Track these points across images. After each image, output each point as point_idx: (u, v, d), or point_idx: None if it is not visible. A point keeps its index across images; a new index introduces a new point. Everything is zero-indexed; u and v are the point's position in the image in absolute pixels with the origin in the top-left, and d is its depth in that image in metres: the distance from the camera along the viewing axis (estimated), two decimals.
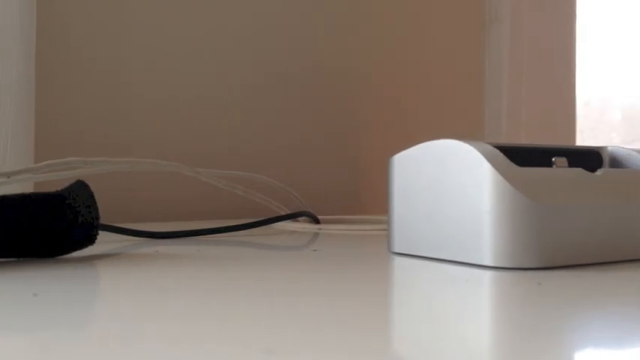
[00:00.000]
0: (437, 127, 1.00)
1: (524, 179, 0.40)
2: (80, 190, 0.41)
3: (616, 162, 0.49)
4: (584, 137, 1.74)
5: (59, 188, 0.41)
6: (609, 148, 0.49)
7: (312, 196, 0.71)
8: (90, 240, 0.41)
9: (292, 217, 0.59)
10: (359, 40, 0.95)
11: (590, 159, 0.49)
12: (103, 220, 0.43)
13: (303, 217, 0.62)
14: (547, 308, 0.29)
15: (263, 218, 0.55)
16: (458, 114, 1.02)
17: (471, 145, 0.41)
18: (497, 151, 0.41)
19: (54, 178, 0.47)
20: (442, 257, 0.42)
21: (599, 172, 0.43)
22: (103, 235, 0.44)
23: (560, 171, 0.42)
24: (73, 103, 0.72)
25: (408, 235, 0.44)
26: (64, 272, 0.36)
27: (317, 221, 0.63)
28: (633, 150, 0.48)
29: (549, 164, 0.44)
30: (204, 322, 0.25)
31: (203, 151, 0.79)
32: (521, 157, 0.45)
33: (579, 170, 0.43)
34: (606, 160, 0.49)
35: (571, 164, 0.46)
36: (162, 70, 0.78)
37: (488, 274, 0.37)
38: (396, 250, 0.45)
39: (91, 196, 0.41)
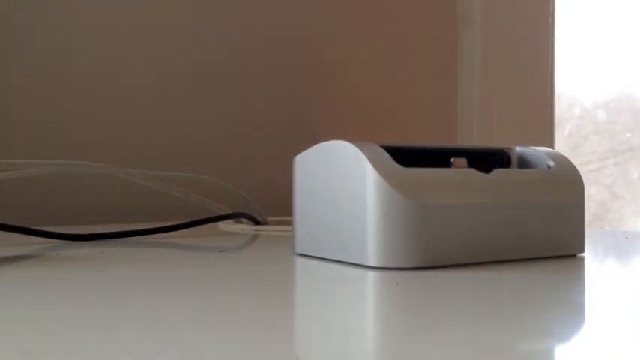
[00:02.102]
0: (411, 129, 1.00)
1: (406, 180, 0.40)
2: None
3: (524, 162, 0.49)
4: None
5: None
6: (517, 149, 0.49)
7: (264, 198, 0.72)
8: None
9: (223, 218, 0.60)
10: (328, 40, 0.96)
11: (497, 159, 0.49)
12: (27, 223, 0.44)
13: (244, 219, 0.63)
14: (385, 307, 0.30)
15: (188, 221, 0.56)
16: (431, 115, 1.03)
17: (356, 146, 0.41)
18: (383, 152, 0.41)
19: None
20: (335, 258, 0.43)
21: (492, 173, 0.43)
22: (16, 237, 0.45)
23: (448, 171, 0.42)
24: None
25: (308, 236, 0.45)
26: None
27: (257, 222, 0.64)
28: (540, 150, 0.48)
29: (448, 165, 0.45)
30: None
31: (143, 152, 0.78)
32: (418, 157, 0.45)
33: (470, 170, 0.43)
34: (514, 160, 0.49)
35: (475, 164, 0.46)
36: (90, 67, 0.77)
37: (361, 274, 0.38)
38: (299, 252, 0.46)
39: None
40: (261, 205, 0.67)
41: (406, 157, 0.45)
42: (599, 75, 2.22)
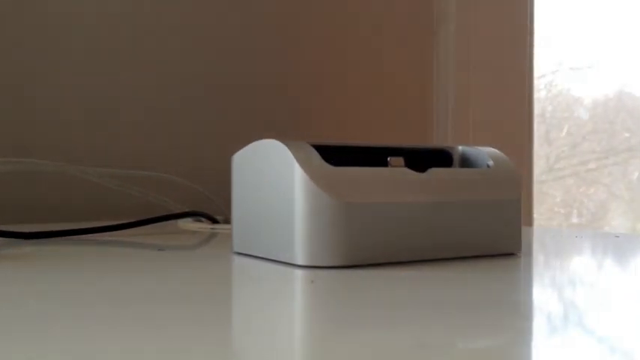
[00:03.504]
0: (386, 128, 1.00)
1: (333, 179, 0.40)
2: None
3: (466, 161, 0.49)
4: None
5: None
6: (460, 148, 0.49)
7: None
8: None
9: (172, 217, 0.60)
10: (300, 39, 0.96)
11: (439, 158, 0.49)
12: None
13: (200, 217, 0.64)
14: (289, 306, 0.30)
15: (139, 219, 0.56)
16: (406, 115, 1.02)
17: (285, 144, 0.41)
18: (312, 151, 0.41)
19: None
20: (267, 257, 0.43)
21: (426, 172, 0.43)
22: None
23: (379, 170, 0.42)
24: None
25: (244, 234, 0.45)
26: None
27: (214, 221, 0.64)
28: (482, 149, 0.48)
29: (385, 164, 0.45)
30: None
31: (106, 151, 0.77)
32: (356, 156, 0.46)
33: (403, 169, 0.43)
34: (457, 159, 0.49)
35: (414, 163, 0.46)
36: (44, 65, 0.77)
37: (283, 272, 0.38)
38: (236, 250, 0.46)
39: None
40: (226, 204, 0.67)
41: (343, 156, 0.45)
42: (599, 75, 2.22)
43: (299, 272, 0.38)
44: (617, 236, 0.57)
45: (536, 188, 2.26)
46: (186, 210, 0.63)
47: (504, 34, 1.05)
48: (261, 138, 0.44)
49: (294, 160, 0.40)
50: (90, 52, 0.80)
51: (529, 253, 0.46)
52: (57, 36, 0.78)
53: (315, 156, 0.41)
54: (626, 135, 2.27)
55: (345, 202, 0.40)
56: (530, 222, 1.06)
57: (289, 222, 0.40)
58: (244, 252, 0.45)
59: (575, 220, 2.25)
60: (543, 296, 0.32)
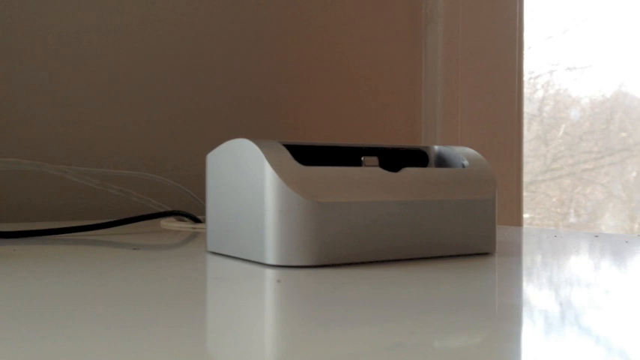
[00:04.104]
0: (374, 128, 1.00)
1: (304, 178, 0.40)
2: None
3: (442, 161, 0.49)
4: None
5: None
6: (436, 148, 0.49)
7: None
8: None
9: (155, 216, 0.60)
10: (289, 40, 0.96)
11: (414, 158, 0.49)
12: None
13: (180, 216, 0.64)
14: (252, 305, 0.30)
15: (119, 218, 0.56)
16: (395, 114, 1.02)
17: (256, 144, 0.41)
18: (284, 151, 0.41)
19: None
20: (239, 256, 0.43)
21: (399, 172, 0.43)
22: None
23: (350, 170, 0.42)
24: None
25: (217, 233, 0.45)
26: None
27: (197, 221, 0.64)
28: (458, 149, 0.48)
29: (359, 163, 0.45)
30: None
31: (92, 150, 0.77)
32: (327, 156, 0.45)
33: (375, 169, 0.43)
34: (432, 159, 0.49)
35: (389, 163, 0.46)
36: (23, 64, 0.77)
37: (252, 272, 0.38)
38: (210, 249, 0.46)
39: None
40: None
41: (318, 155, 0.45)
42: (596, 75, 2.22)
43: (269, 272, 0.38)
44: (597, 236, 0.57)
45: (533, 188, 2.26)
46: (168, 209, 0.63)
47: (493, 34, 1.05)
48: (246, 138, 0.44)
49: (265, 160, 0.40)
50: (69, 52, 0.80)
51: (505, 253, 0.46)
52: (34, 35, 0.78)
53: (286, 155, 0.41)
54: (623, 135, 2.27)
55: (316, 202, 0.40)
56: (519, 222, 1.06)
57: (260, 221, 0.40)
58: (218, 251, 0.45)
59: (572, 219, 2.25)
60: (516, 296, 0.32)
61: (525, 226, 2.27)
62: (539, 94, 2.21)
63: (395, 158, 0.47)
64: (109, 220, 0.55)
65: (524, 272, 0.39)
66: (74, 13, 0.80)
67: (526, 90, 2.20)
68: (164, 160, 0.82)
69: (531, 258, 0.45)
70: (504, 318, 0.27)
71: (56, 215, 0.72)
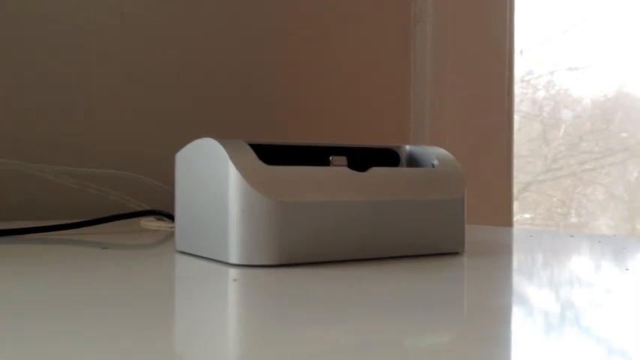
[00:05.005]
0: (363, 128, 0.99)
1: (267, 178, 0.40)
2: None
3: (413, 161, 0.48)
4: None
5: None
6: (407, 148, 0.49)
7: None
8: None
9: (131, 216, 0.60)
10: (277, 39, 0.96)
11: (385, 158, 0.49)
12: None
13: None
14: (204, 305, 0.30)
15: (96, 217, 0.56)
16: (383, 115, 1.02)
17: (221, 143, 0.41)
18: (248, 150, 0.41)
19: None
20: (205, 255, 0.43)
21: (367, 171, 0.43)
22: None
23: (316, 169, 0.42)
24: None
25: (185, 233, 0.45)
26: None
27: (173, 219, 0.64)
28: (428, 148, 0.48)
29: (327, 163, 0.45)
30: None
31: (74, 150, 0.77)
32: (296, 156, 0.45)
33: (342, 169, 0.43)
34: (403, 158, 0.49)
35: (359, 163, 0.46)
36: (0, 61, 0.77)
37: (214, 271, 0.38)
38: (178, 249, 0.46)
39: None
40: None
41: (286, 155, 0.45)
42: (597, 75, 2.21)
43: (232, 271, 0.38)
44: (572, 235, 0.57)
45: (534, 188, 2.25)
46: (147, 209, 0.63)
47: (483, 34, 1.05)
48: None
49: (229, 159, 0.40)
50: (45, 50, 0.79)
51: (475, 253, 0.46)
52: (9, 33, 0.78)
53: (251, 155, 0.41)
54: (624, 135, 2.26)
55: (278, 201, 0.39)
56: (510, 222, 1.05)
57: (224, 221, 0.40)
58: (186, 251, 0.45)
59: (573, 219, 2.24)
60: (482, 295, 0.32)
61: (525, 226, 2.26)
62: (540, 94, 2.21)
63: (365, 158, 0.47)
64: (82, 220, 0.55)
65: (492, 272, 0.39)
66: (51, 8, 0.80)
67: (527, 90, 2.20)
68: (146, 159, 0.82)
69: (500, 258, 0.45)
70: (470, 318, 0.27)
71: (35, 214, 0.72)
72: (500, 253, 0.47)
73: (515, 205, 2.21)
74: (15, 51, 0.77)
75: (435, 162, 0.46)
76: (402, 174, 0.44)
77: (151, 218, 0.65)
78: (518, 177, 2.23)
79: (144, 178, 0.65)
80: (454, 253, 0.45)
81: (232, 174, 0.40)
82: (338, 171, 0.42)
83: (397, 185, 0.43)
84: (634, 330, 0.24)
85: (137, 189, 0.71)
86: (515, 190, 2.19)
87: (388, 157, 0.49)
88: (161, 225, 0.63)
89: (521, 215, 2.19)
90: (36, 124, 0.77)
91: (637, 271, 0.39)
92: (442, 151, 0.48)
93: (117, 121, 0.82)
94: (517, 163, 2.20)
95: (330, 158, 0.44)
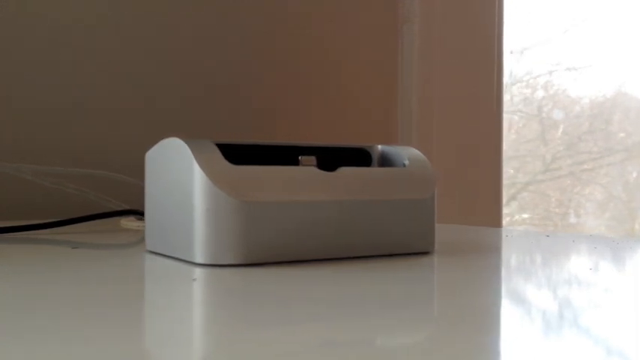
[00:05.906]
0: (350, 128, 0.99)
1: (233, 177, 0.40)
2: None
3: (385, 160, 0.48)
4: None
5: None
6: (379, 147, 0.49)
7: None
8: None
9: (106, 215, 0.60)
10: (265, 38, 0.96)
11: (357, 157, 0.48)
12: None
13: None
14: (160, 304, 0.30)
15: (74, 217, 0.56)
16: (371, 115, 1.02)
17: (187, 143, 0.41)
18: (214, 150, 0.41)
19: None
20: (172, 255, 0.42)
21: (335, 171, 0.43)
22: None
23: (283, 169, 0.42)
24: None
25: (154, 233, 0.45)
26: None
27: None
28: (400, 148, 0.47)
29: (296, 162, 0.44)
30: None
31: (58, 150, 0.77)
32: (265, 155, 0.45)
33: (309, 168, 0.43)
34: (375, 158, 0.49)
35: (328, 163, 0.46)
36: None
37: (179, 271, 0.38)
38: (148, 249, 0.46)
39: None
40: None
41: (255, 154, 0.45)
42: (596, 75, 2.21)
43: (198, 271, 0.38)
44: (548, 235, 0.56)
45: (533, 188, 2.24)
46: (126, 208, 0.63)
47: (471, 34, 1.04)
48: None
49: (194, 159, 0.40)
50: (20, 49, 0.79)
51: (445, 252, 0.46)
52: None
53: (217, 154, 0.41)
54: (623, 135, 2.25)
55: (244, 201, 0.39)
56: (499, 223, 1.05)
57: (189, 220, 0.40)
58: (155, 250, 0.45)
59: (572, 219, 2.23)
60: (452, 294, 0.32)
61: (523, 226, 2.26)
62: (539, 94, 2.20)
63: (336, 158, 0.47)
64: (55, 220, 0.55)
65: (460, 272, 0.39)
66: (28, 9, 0.80)
67: (525, 90, 2.19)
68: (129, 159, 0.82)
69: (469, 257, 0.44)
70: (439, 316, 0.27)
71: (13, 214, 0.72)
72: (469, 253, 0.47)
73: (514, 205, 2.20)
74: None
75: (406, 162, 0.46)
76: (371, 174, 0.44)
77: (132, 218, 0.65)
78: (517, 177, 2.22)
79: (125, 177, 0.64)
80: (424, 253, 0.45)
81: (197, 173, 0.40)
82: (305, 170, 0.42)
83: (366, 185, 0.43)
84: (600, 326, 0.24)
85: (119, 189, 0.71)
86: (514, 190, 2.18)
87: (360, 157, 0.48)
88: (141, 225, 0.63)
89: (519, 215, 2.18)
90: (13, 123, 0.77)
91: (602, 271, 0.39)
92: (414, 151, 0.47)
93: (104, 120, 0.82)
94: (515, 163, 2.20)
95: (300, 158, 0.44)
